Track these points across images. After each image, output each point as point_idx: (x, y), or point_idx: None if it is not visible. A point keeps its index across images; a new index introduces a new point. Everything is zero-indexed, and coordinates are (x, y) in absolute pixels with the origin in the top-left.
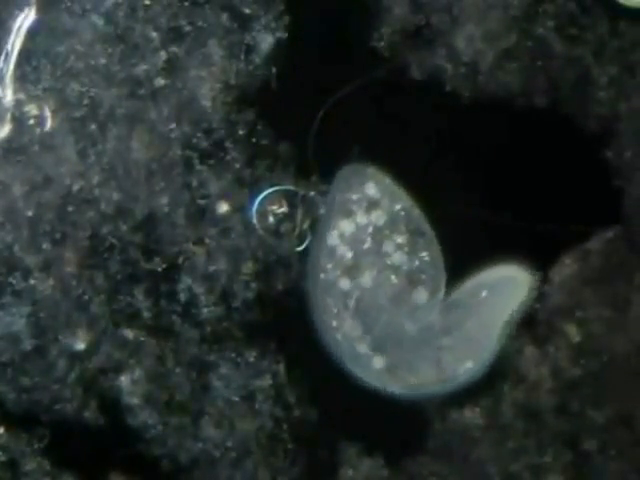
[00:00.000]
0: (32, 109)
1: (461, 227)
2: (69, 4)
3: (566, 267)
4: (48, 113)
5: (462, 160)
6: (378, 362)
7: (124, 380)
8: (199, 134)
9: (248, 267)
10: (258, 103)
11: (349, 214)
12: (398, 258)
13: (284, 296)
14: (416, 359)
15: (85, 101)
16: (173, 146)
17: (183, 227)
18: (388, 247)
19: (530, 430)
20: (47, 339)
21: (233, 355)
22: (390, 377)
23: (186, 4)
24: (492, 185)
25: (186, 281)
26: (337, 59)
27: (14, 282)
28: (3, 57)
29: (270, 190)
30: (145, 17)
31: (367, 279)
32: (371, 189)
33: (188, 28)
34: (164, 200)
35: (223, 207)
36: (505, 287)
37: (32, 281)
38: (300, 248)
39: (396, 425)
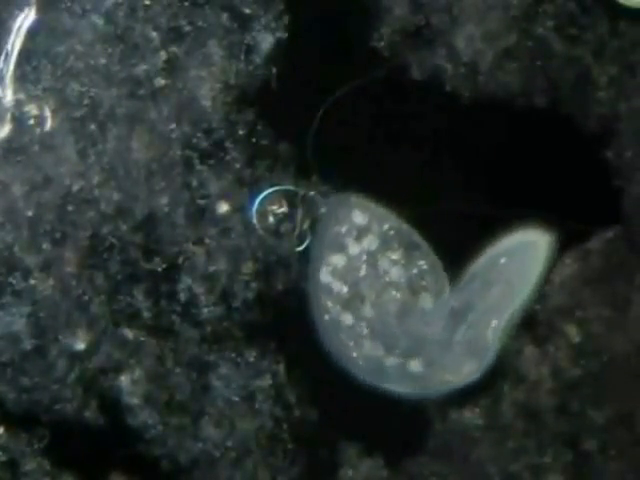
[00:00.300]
0: (32, 109)
1: (461, 226)
2: (69, 4)
3: (566, 267)
4: (48, 113)
5: (462, 160)
6: (415, 365)
7: (124, 380)
8: (199, 134)
9: (248, 267)
10: (258, 103)
11: (340, 248)
12: (396, 273)
13: (284, 296)
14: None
15: (85, 101)
16: (173, 146)
17: (183, 227)
18: (384, 265)
19: (530, 430)
20: (47, 339)
21: (233, 355)
22: (431, 374)
23: (186, 4)
24: (492, 185)
25: (186, 281)
26: (337, 59)
27: (14, 282)
28: (3, 57)
29: (270, 190)
30: (145, 17)
31: (368, 308)
32: (358, 217)
33: (188, 28)
34: (164, 200)
35: (223, 207)
36: (524, 251)
37: (32, 281)
38: (300, 248)
39: (396, 425)
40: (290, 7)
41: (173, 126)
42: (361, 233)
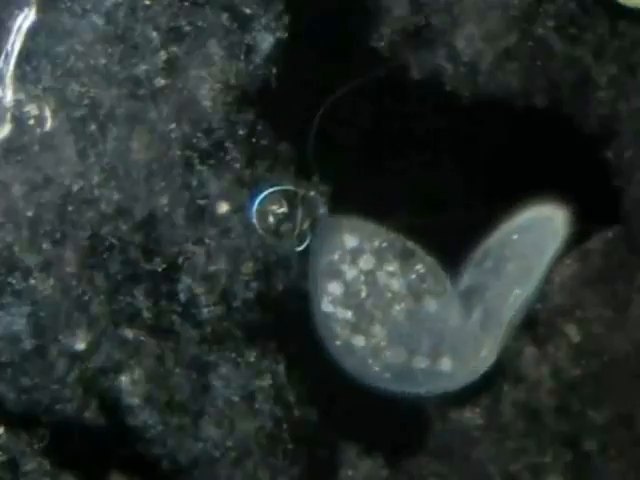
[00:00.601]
0: (32, 109)
1: (461, 226)
2: (69, 4)
3: (566, 267)
4: (48, 113)
5: (462, 160)
6: (445, 364)
7: (124, 380)
8: (199, 134)
9: (248, 267)
10: (258, 103)
11: (337, 275)
12: (396, 284)
13: (284, 296)
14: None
15: (85, 101)
16: (173, 146)
17: (183, 227)
18: (384, 280)
19: (530, 430)
20: (47, 339)
21: (233, 355)
22: (460, 367)
23: (186, 4)
24: (492, 184)
25: (186, 281)
26: (337, 59)
27: (14, 282)
28: (3, 57)
29: (270, 190)
30: (145, 17)
31: (378, 327)
32: (349, 240)
33: (188, 28)
34: (164, 200)
35: (223, 207)
36: (539, 226)
37: (32, 281)
38: (300, 248)
39: (396, 425)
40: (290, 7)
41: (173, 126)
42: (355, 255)
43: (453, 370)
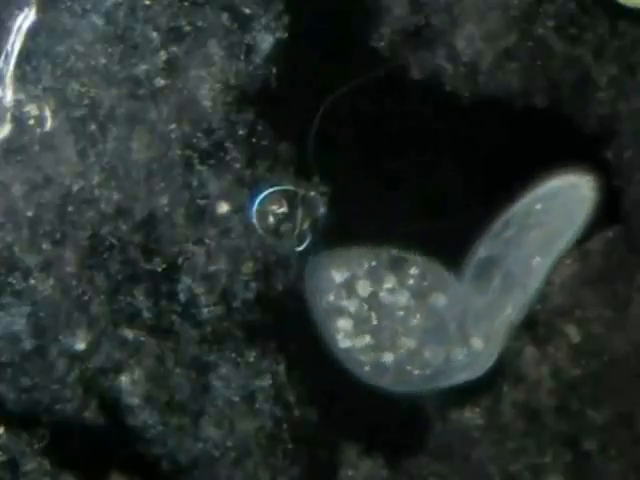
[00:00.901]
0: (32, 109)
1: (461, 226)
2: (69, 4)
3: (566, 267)
4: (48, 113)
5: (462, 160)
6: (476, 343)
7: (124, 380)
8: (199, 134)
9: (248, 267)
10: (258, 103)
11: (340, 312)
12: (401, 298)
13: (284, 296)
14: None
15: (85, 101)
16: (173, 146)
17: (183, 227)
18: (388, 299)
19: (530, 430)
20: (47, 339)
21: (233, 355)
22: (489, 343)
23: (186, 4)
24: (492, 184)
25: (186, 281)
26: (337, 59)
27: (14, 282)
28: (3, 57)
29: (270, 190)
30: (145, 17)
31: (403, 338)
32: (337, 275)
33: (188, 28)
34: (164, 200)
35: (223, 207)
36: (563, 193)
37: (32, 281)
38: (300, 248)
39: (396, 425)
40: (290, 7)
41: (173, 126)
42: (349, 287)
43: (486, 346)
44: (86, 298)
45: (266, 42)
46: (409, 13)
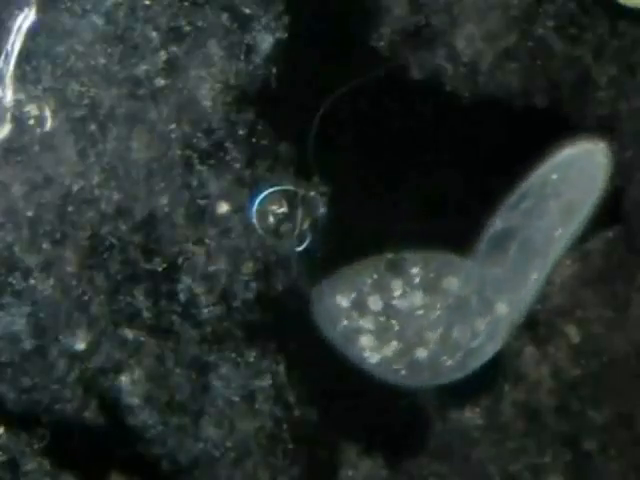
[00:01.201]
0: (32, 109)
1: (461, 226)
2: (69, 4)
3: (566, 267)
4: (48, 113)
5: (462, 160)
6: (502, 308)
7: (124, 380)
8: (199, 134)
9: (248, 267)
10: (258, 103)
11: (360, 332)
12: (415, 299)
13: (284, 296)
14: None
15: (85, 101)
16: (173, 146)
17: (183, 227)
18: (402, 305)
19: (530, 430)
20: (47, 339)
21: (233, 355)
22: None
23: (186, 4)
24: (492, 184)
25: (186, 281)
26: (337, 59)
27: (14, 282)
28: (3, 57)
29: (270, 190)
30: (145, 17)
31: (429, 334)
32: (343, 300)
33: (188, 28)
34: (164, 200)
35: (223, 207)
36: (579, 162)
37: (32, 281)
38: (300, 248)
39: (396, 425)
40: (290, 7)
41: (173, 126)
42: (359, 306)
43: (510, 312)
44: (86, 298)
45: (266, 42)
46: (409, 13)
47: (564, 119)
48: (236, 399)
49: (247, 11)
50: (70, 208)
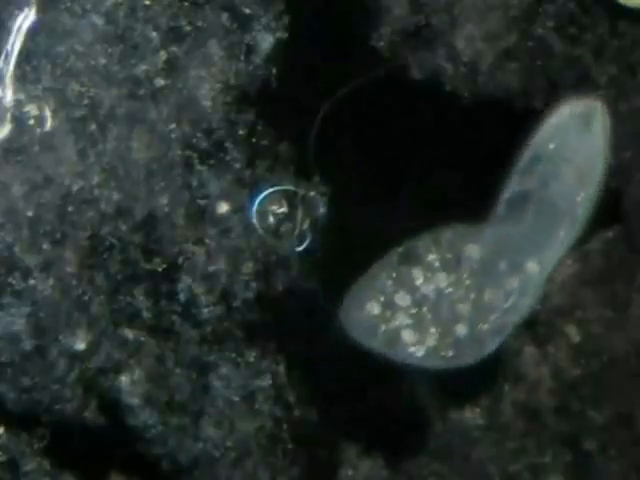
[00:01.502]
0: (32, 109)
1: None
2: (69, 4)
3: (566, 267)
4: (48, 113)
5: (462, 160)
6: (533, 267)
7: (124, 380)
8: (199, 134)
9: (248, 267)
10: (258, 103)
11: (399, 331)
12: (440, 280)
13: (284, 296)
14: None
15: (85, 101)
16: (173, 146)
17: (183, 227)
18: (429, 291)
19: (530, 430)
20: (47, 339)
21: (233, 355)
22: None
23: (186, 4)
24: (492, 184)
25: (186, 281)
26: (337, 59)
27: (14, 282)
28: (3, 57)
29: (270, 190)
30: (145, 17)
31: (461, 305)
32: (374, 307)
33: (188, 28)
34: (164, 200)
35: (223, 207)
36: (574, 128)
37: (32, 281)
38: (300, 248)
39: (396, 425)
40: (290, 7)
41: (173, 126)
42: (390, 307)
43: (541, 271)
44: (86, 298)
45: (266, 42)
46: (409, 13)
47: None
48: (236, 399)
49: (247, 11)
50: (70, 208)
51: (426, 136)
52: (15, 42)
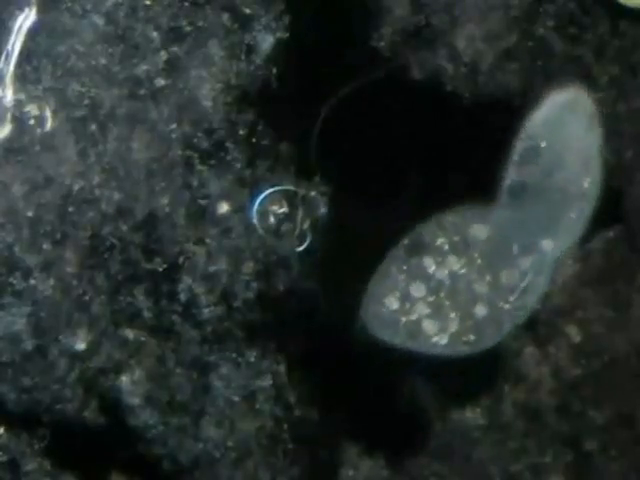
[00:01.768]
0: (32, 109)
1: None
2: (69, 4)
3: (567, 267)
4: (48, 113)
5: (462, 160)
6: (548, 244)
7: (124, 380)
8: (199, 134)
9: (248, 267)
10: (258, 103)
11: (420, 322)
12: (453, 263)
13: (284, 296)
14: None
15: (85, 101)
16: (173, 146)
17: (183, 227)
18: (443, 276)
19: (531, 430)
20: (47, 339)
21: (234, 355)
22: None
23: (186, 4)
24: (492, 184)
25: (186, 281)
26: (337, 59)
27: (14, 282)
28: (3, 57)
29: (270, 190)
30: (145, 17)
31: (479, 286)
32: (393, 302)
33: (188, 28)
34: (164, 200)
35: (223, 207)
36: (563, 125)
37: (32, 281)
38: (300, 248)
39: (396, 425)
40: (290, 7)
41: (173, 126)
42: (408, 299)
43: (555, 247)
44: (86, 298)
45: (266, 42)
46: (410, 13)
47: None
48: (237, 399)
49: (248, 11)
50: (70, 208)
51: (426, 136)
52: (16, 42)
